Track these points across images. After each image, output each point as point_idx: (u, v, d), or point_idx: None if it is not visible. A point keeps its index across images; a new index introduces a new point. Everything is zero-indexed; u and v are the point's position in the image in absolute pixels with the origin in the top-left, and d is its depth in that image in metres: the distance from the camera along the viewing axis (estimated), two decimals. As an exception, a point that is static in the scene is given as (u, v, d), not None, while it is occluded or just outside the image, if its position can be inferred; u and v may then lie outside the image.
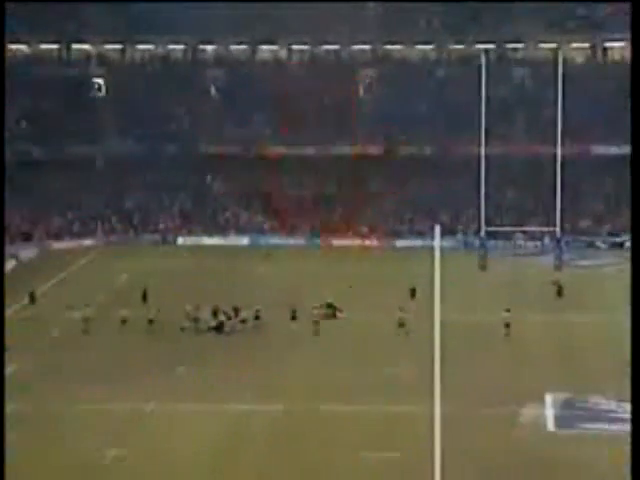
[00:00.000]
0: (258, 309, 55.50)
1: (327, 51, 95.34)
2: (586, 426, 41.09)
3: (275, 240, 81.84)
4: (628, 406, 41.30)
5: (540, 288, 64.10)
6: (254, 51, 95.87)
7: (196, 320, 54.82)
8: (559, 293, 62.04)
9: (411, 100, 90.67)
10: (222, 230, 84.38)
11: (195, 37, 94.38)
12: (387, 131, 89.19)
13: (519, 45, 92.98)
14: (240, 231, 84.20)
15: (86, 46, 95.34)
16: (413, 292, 59.67)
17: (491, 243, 74.55)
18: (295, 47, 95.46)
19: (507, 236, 78.33)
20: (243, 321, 54.97)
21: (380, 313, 55.88)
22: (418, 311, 52.08)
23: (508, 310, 53.44)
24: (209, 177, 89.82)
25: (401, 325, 53.12)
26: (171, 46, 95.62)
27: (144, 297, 60.21)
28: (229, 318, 55.20)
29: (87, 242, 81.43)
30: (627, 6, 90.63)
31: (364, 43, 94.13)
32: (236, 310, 55.75)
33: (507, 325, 52.95)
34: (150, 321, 54.20)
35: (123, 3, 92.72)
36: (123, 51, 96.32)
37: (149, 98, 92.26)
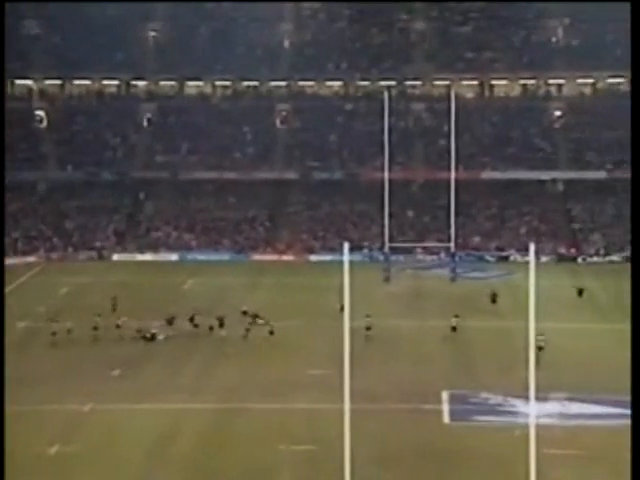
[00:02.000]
0: (191, 317, 55.35)
1: (247, 86, 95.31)
2: (477, 418, 41.73)
3: (202, 256, 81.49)
4: (513, 400, 42.35)
5: (438, 296, 64.85)
6: (182, 86, 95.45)
7: (136, 330, 54.25)
8: (493, 300, 62.20)
9: (323, 131, 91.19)
10: (153, 247, 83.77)
11: (128, 73, 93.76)
12: (302, 158, 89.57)
13: (417, 82, 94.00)
14: (170, 248, 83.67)
15: (29, 82, 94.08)
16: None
17: (394, 257, 75.22)
18: (219, 83, 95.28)
19: (408, 251, 78.95)
20: (176, 329, 54.75)
21: (301, 320, 56.04)
22: (335, 318, 52.28)
23: (457, 316, 53.87)
24: (142, 198, 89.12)
25: (321, 330, 53.12)
26: (106, 82, 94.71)
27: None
28: (170, 323, 54.95)
29: (30, 259, 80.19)
30: (511, 50, 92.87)
31: (280, 80, 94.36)
32: (170, 319, 55.54)
33: (453, 329, 53.65)
34: (94, 328, 53.45)
35: (63, 43, 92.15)
36: (62, 86, 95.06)
37: (86, 129, 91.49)
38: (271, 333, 54.22)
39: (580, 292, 64.57)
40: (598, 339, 54.19)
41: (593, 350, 51.61)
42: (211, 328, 54.64)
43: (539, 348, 50.57)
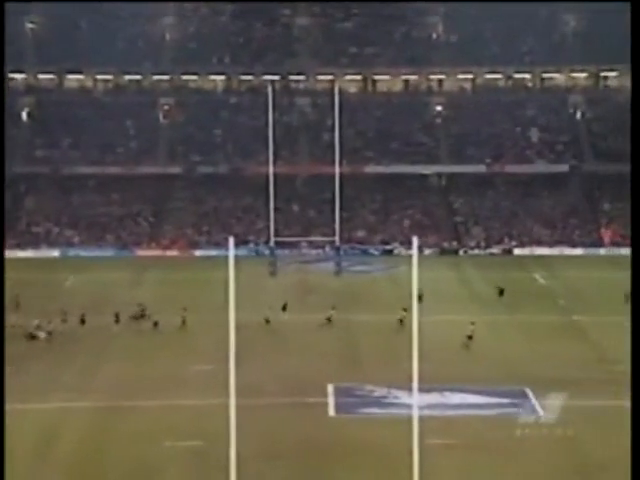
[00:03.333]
0: (71, 314, 54.52)
1: (129, 80, 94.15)
2: (362, 411, 42.19)
3: (85, 252, 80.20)
4: (397, 392, 42.97)
5: (323, 290, 65.29)
6: (61, 80, 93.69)
7: (21, 327, 53.11)
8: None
9: (206, 125, 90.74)
10: (34, 243, 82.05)
11: (6, 67, 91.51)
12: (185, 153, 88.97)
13: (301, 77, 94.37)
14: (51, 244, 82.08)
15: None
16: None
17: (279, 252, 75.42)
18: (100, 76, 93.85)
19: (293, 245, 79.33)
20: (58, 325, 53.80)
21: (186, 315, 55.70)
22: (220, 313, 52.06)
23: (405, 309, 53.35)
24: (22, 193, 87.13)
25: (207, 325, 52.86)
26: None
27: None
28: (51, 321, 53.94)
29: None
30: (393, 45, 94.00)
31: (163, 74, 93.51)
32: (51, 316, 54.52)
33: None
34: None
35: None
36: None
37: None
38: (155, 328, 53.80)
39: (501, 292, 63.15)
40: (479, 330, 55.29)
41: (474, 341, 52.61)
42: (88, 324, 53.95)
43: (469, 337, 51.68)
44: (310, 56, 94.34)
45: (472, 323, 52.44)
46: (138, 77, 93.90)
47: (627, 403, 42.48)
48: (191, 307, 56.51)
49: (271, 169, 73.70)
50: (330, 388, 44.52)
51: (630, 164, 49.05)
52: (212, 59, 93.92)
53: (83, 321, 54.86)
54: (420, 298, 57.39)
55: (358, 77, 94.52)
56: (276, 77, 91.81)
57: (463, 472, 35.63)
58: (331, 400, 43.20)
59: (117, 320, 55.44)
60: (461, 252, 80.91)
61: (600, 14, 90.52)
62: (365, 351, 51.10)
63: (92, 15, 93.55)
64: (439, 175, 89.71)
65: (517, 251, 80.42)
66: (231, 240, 28.15)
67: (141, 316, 56.39)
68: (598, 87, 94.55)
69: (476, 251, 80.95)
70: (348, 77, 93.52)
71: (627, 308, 58.97)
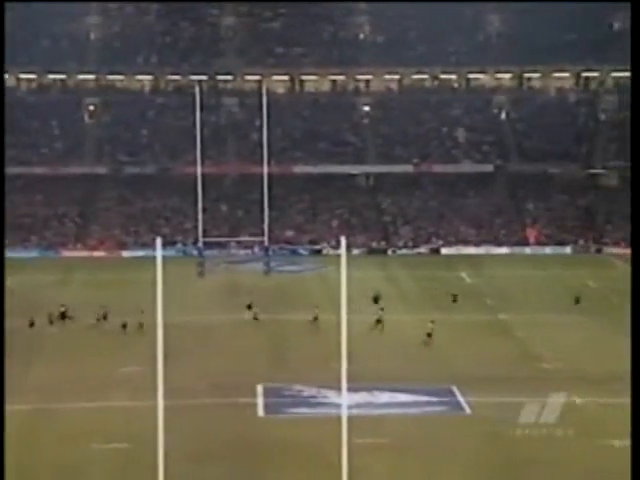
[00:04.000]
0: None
1: (54, 80, 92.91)
2: (291, 411, 42.22)
3: (9, 253, 78.80)
4: (326, 392, 43.06)
5: (252, 290, 65.16)
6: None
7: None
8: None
9: (133, 125, 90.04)
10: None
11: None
12: (112, 153, 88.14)
13: (228, 77, 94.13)
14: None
15: None
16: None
17: (208, 252, 75.10)
18: (23, 76, 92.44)
19: (222, 245, 79.04)
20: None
21: (113, 317, 55.17)
22: (148, 314, 51.72)
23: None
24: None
25: (140, 326, 52.45)
26: None
27: None
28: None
29: None
30: (320, 46, 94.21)
31: (88, 73, 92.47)
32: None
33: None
34: None
35: None
36: None
37: None
38: (83, 331, 53.21)
39: (454, 298, 61.61)
40: (408, 329, 55.70)
41: (403, 340, 52.98)
42: (28, 326, 53.18)
43: (428, 335, 51.87)
44: (237, 56, 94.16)
45: (432, 322, 52.66)
46: (63, 76, 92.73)
47: (550, 399, 43.39)
48: (117, 309, 55.96)
49: (199, 169, 73.31)
50: (259, 388, 44.44)
51: (630, 164, 49.51)
52: (138, 59, 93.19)
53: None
54: (376, 300, 57.67)
55: (285, 77, 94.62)
56: (203, 77, 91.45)
57: (391, 471, 35.84)
58: (260, 400, 43.12)
59: (43, 321, 54.60)
60: (389, 252, 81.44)
61: (524, 15, 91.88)
62: (294, 351, 51.10)
63: (15, 13, 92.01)
64: (367, 175, 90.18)
65: (444, 250, 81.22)
66: (159, 241, 27.91)
67: (63, 317, 55.69)
68: (522, 88, 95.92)
69: (404, 251, 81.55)
70: (275, 77, 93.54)
71: (558, 306, 60.26)
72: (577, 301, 60.80)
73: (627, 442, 38.09)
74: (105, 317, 55.39)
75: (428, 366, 48.14)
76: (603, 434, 39.25)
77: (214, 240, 76.74)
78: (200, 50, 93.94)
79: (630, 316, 37.02)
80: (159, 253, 27.67)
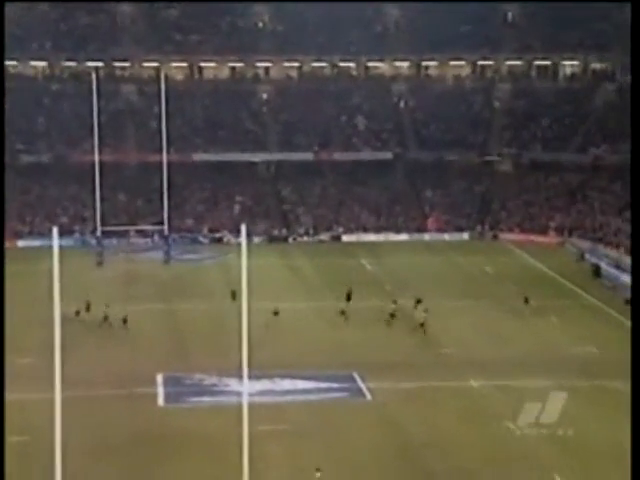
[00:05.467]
0: None
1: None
2: (192, 400, 42.10)
3: None
4: (227, 380, 43.08)
5: (151, 279, 64.68)
6: None
7: None
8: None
9: (29, 112, 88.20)
10: None
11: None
12: (7, 141, 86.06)
13: (125, 64, 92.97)
14: None
15: None
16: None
17: (107, 241, 74.18)
18: None
19: (121, 235, 78.06)
20: None
21: (9, 308, 54.04)
22: (44, 305, 50.79)
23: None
24: None
25: (31, 318, 51.43)
26: None
27: None
28: None
29: None
30: (218, 33, 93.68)
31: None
32: None
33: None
34: None
35: None
36: None
37: None
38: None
39: (348, 296, 58.96)
40: (311, 317, 56.02)
41: (307, 327, 53.27)
42: None
43: (421, 325, 52.01)
44: (134, 43, 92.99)
45: (394, 302, 53.60)
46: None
47: (451, 384, 44.25)
48: (12, 300, 54.87)
49: (97, 157, 72.26)
50: (159, 378, 44.21)
51: (630, 163, 50.09)
52: (32, 45, 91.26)
53: None
54: (349, 296, 57.37)
55: (184, 64, 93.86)
56: (100, 64, 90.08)
57: (292, 457, 36.10)
58: (160, 390, 42.92)
59: None
60: (290, 239, 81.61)
61: (421, 5, 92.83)
62: (195, 340, 50.93)
63: None
64: (267, 163, 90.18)
65: (345, 238, 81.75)
66: (55, 230, 27.48)
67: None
68: (420, 76, 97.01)
69: (305, 238, 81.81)
70: (174, 64, 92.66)
71: (457, 292, 61.31)
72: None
73: (522, 424, 39.21)
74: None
75: (330, 353, 48.51)
76: (499, 416, 40.15)
77: (113, 229, 75.77)
78: (96, 37, 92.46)
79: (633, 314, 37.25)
80: (56, 243, 27.27)
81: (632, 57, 55.50)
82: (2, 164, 77.99)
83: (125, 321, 52.21)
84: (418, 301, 54.75)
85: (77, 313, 52.37)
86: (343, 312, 54.97)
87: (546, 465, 35.33)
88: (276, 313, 53.50)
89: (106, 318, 52.69)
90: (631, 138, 49.83)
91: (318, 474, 33.00)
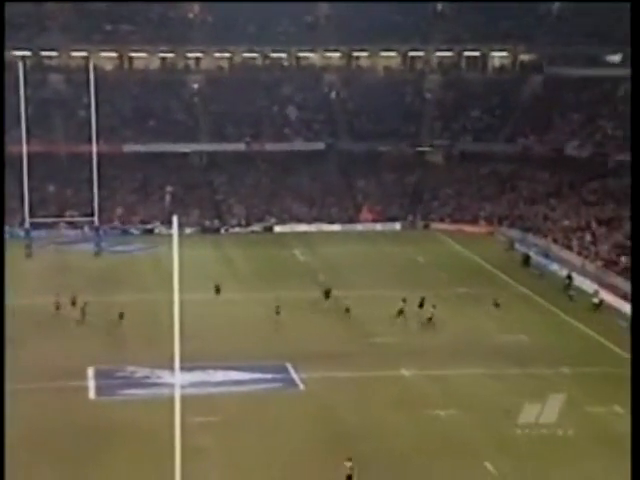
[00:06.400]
0: None
1: None
2: (123, 392, 41.75)
3: None
4: (160, 372, 42.81)
5: (83, 272, 63.94)
6: None
7: None
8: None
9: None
10: None
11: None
12: None
13: (53, 53, 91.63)
14: None
15: None
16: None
17: (36, 233, 73.10)
18: None
19: (51, 226, 76.97)
20: None
21: None
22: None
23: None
24: None
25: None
26: None
27: None
28: None
29: None
30: (149, 23, 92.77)
31: None
32: None
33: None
34: None
35: None
36: None
37: None
38: None
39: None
40: (243, 308, 55.88)
41: (237, 319, 53.09)
42: None
43: (399, 312, 51.66)
44: (63, 32, 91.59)
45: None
46: None
47: (383, 373, 44.50)
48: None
49: (24, 148, 71.16)
50: (90, 371, 43.76)
51: (630, 162, 50.09)
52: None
53: None
54: (328, 294, 56.76)
55: (114, 54, 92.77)
56: (27, 53, 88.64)
57: (225, 449, 36.06)
58: (91, 383, 42.52)
59: None
60: (223, 230, 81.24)
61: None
62: (127, 332, 50.45)
63: None
64: (199, 153, 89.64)
65: (278, 228, 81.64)
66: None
67: None
68: (351, 67, 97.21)
69: (237, 229, 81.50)
70: (103, 54, 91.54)
71: (389, 282, 61.64)
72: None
73: (452, 411, 39.64)
74: None
75: (263, 344, 48.47)
76: (430, 405, 40.50)
77: (42, 221, 74.72)
78: (24, 26, 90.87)
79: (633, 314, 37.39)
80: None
81: (632, 57, 56.28)
82: (2, 164, 76.33)
83: (122, 316, 51.43)
84: (422, 300, 54.31)
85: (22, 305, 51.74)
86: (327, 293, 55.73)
87: (477, 452, 35.74)
88: (218, 289, 55.12)
89: (58, 307, 52.98)
90: (631, 137, 50.49)
91: (349, 464, 32.81)
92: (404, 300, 53.40)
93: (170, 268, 26.43)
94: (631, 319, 39.95)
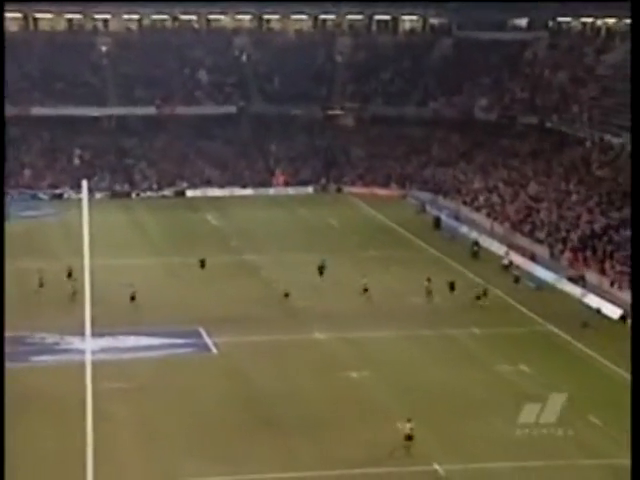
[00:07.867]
0: None
1: None
2: (33, 359, 41.09)
3: None
4: (70, 338, 42.21)
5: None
6: None
7: None
8: None
9: None
10: None
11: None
12: None
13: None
14: None
15: None
16: None
17: None
18: None
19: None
20: None
21: None
22: None
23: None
24: None
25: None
26: None
27: None
28: None
29: None
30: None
31: None
32: None
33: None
34: None
35: None
36: None
37: None
38: None
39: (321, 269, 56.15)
40: (153, 273, 55.35)
41: (147, 284, 52.50)
42: None
43: (365, 290, 50.83)
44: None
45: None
46: None
47: (297, 336, 44.58)
48: None
49: None
50: (0, 338, 42.94)
51: (631, 162, 49.81)
52: None
53: None
54: (321, 270, 55.79)
55: (18, 15, 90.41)
56: None
57: (135, 413, 35.77)
58: (0, 350, 41.69)
59: None
60: (134, 195, 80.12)
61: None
62: (37, 299, 49.55)
63: None
64: (109, 117, 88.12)
65: (189, 192, 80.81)
66: None
67: None
68: (262, 29, 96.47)
69: (149, 193, 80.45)
70: (8, 15, 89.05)
71: (302, 246, 61.68)
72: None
73: (365, 373, 39.93)
74: None
75: (175, 309, 48.08)
76: (343, 367, 40.73)
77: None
78: None
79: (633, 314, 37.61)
80: None
81: (632, 57, 56.71)
82: (2, 162, 73.90)
83: (133, 298, 49.21)
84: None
85: None
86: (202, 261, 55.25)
87: (389, 411, 36.05)
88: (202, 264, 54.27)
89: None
90: (631, 137, 50.92)
91: (409, 424, 32.59)
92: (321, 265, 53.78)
93: (80, 233, 25.90)
94: (631, 319, 40.89)
